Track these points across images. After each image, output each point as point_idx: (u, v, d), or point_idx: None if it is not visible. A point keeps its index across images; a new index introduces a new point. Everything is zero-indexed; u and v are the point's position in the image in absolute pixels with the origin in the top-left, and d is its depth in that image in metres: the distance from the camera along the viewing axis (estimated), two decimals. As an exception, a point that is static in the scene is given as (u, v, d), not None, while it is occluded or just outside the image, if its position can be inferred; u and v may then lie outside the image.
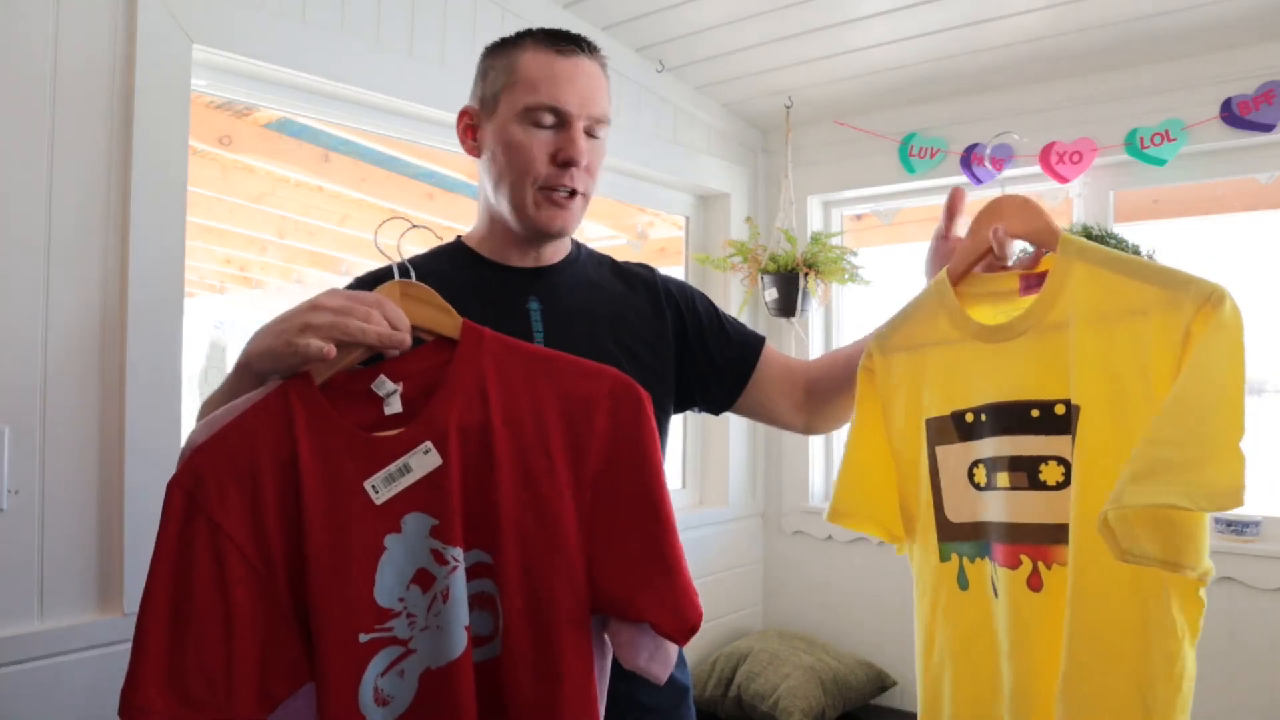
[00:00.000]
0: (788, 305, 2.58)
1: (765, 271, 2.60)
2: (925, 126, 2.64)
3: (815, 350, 2.92)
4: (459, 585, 0.85)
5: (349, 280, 1.17)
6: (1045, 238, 0.96)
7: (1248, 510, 2.20)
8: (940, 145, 2.59)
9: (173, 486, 0.85)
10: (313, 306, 0.87)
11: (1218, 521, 2.21)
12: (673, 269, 3.02)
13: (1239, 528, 2.17)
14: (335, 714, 0.82)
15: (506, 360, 0.90)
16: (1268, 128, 2.11)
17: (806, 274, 2.54)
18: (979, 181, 2.53)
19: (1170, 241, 2.33)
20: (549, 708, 0.84)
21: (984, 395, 0.97)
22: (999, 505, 0.95)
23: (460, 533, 0.85)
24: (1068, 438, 0.90)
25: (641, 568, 0.86)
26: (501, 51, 1.14)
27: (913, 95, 2.61)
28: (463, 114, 1.19)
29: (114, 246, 1.44)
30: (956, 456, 1.00)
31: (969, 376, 0.99)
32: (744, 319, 2.86)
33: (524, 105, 1.09)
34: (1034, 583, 0.90)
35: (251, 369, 0.92)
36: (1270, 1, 1.96)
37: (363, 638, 0.83)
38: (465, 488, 0.86)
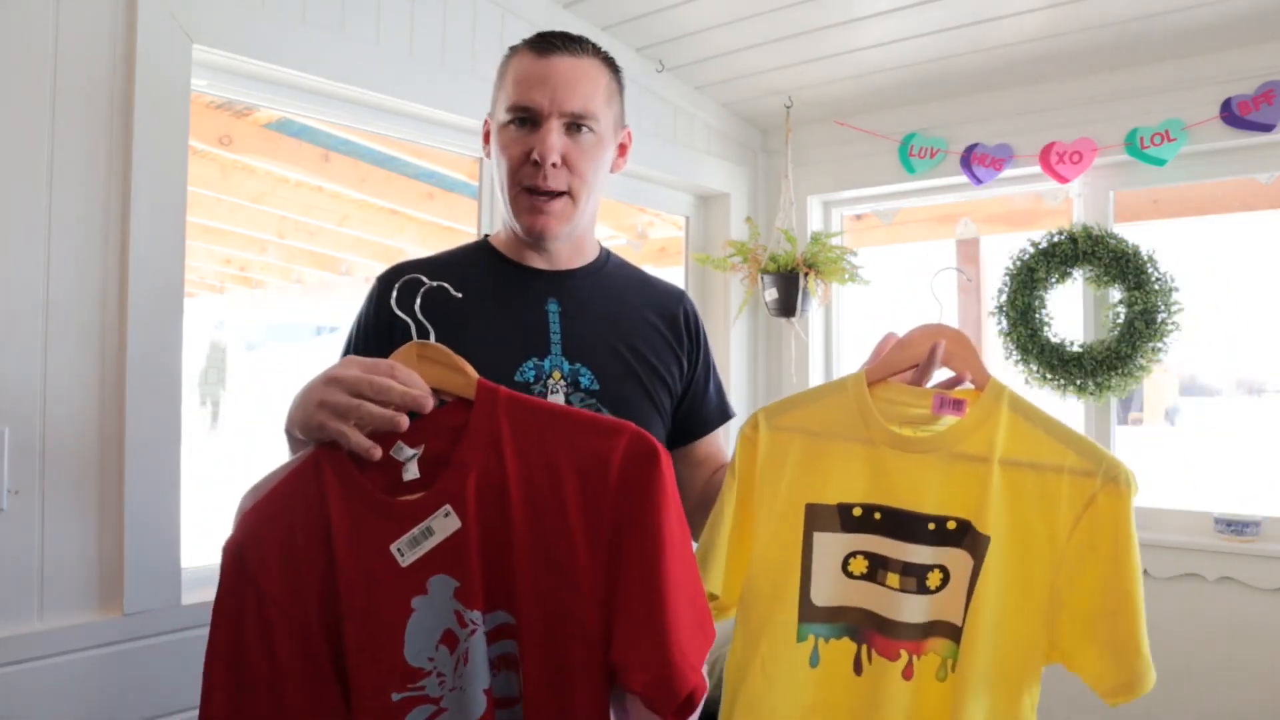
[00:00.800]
0: (788, 305, 2.58)
1: (765, 271, 2.60)
2: (925, 126, 2.64)
3: (815, 351, 2.92)
4: (478, 648, 0.86)
5: (350, 282, 1.18)
6: (977, 375, 1.05)
7: (1248, 510, 2.20)
8: (940, 145, 2.59)
9: (225, 551, 0.89)
10: (328, 380, 0.88)
11: (1218, 522, 2.21)
12: (673, 269, 3.03)
13: (1239, 528, 2.17)
14: None
15: (522, 419, 0.90)
16: (1268, 128, 2.11)
17: (806, 274, 2.54)
18: (979, 181, 2.53)
19: (1170, 241, 2.33)
20: None
21: (879, 496, 1.04)
22: (884, 601, 1.02)
23: (481, 595, 0.87)
24: (953, 550, 1.00)
25: (635, 633, 0.84)
26: (505, 58, 1.17)
27: (913, 95, 2.61)
28: (485, 124, 1.22)
29: (114, 246, 1.44)
30: (834, 545, 1.05)
31: (867, 475, 1.04)
32: (744, 319, 2.87)
33: (504, 108, 1.13)
34: (907, 673, 1.00)
35: (294, 436, 0.95)
36: (1270, 1, 1.96)
37: (395, 697, 0.85)
38: (485, 550, 0.87)
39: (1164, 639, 2.22)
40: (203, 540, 1.74)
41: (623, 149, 1.24)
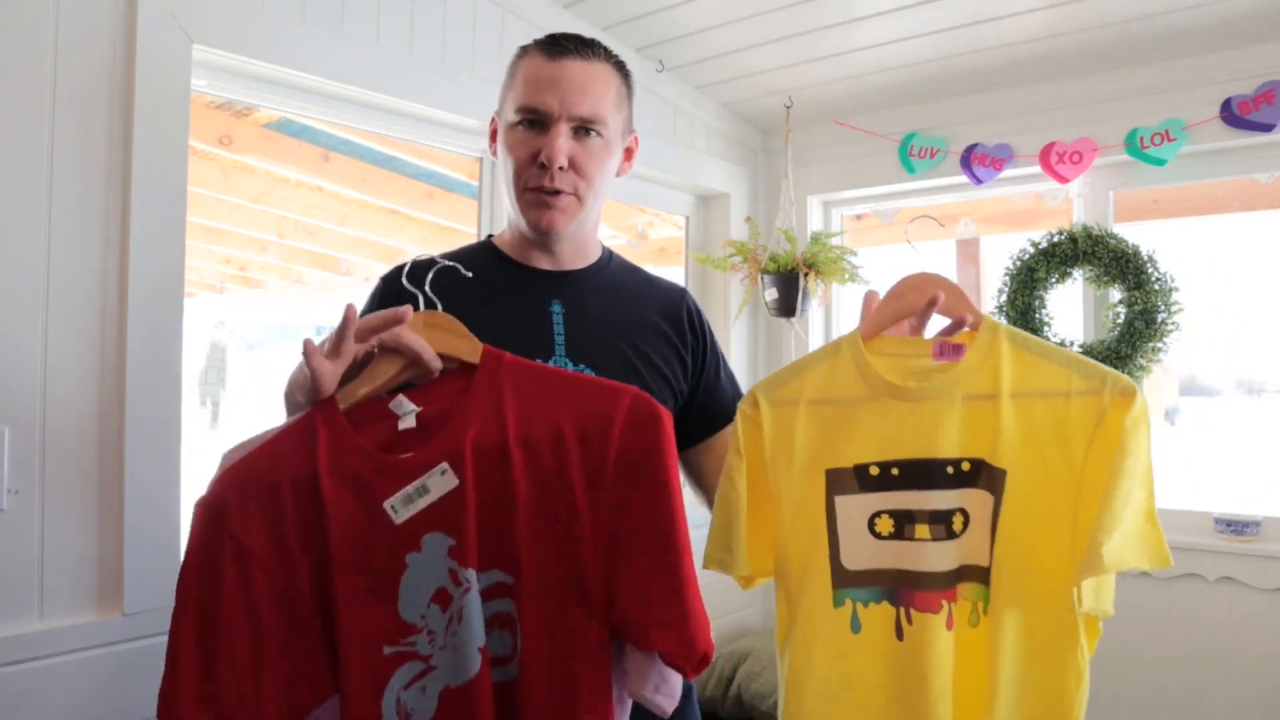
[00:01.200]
0: (788, 305, 2.58)
1: (765, 271, 2.60)
2: (925, 126, 2.64)
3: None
4: (473, 606, 0.85)
5: (348, 282, 1.18)
6: (969, 316, 1.06)
7: (1248, 510, 2.20)
8: (940, 145, 2.59)
9: (198, 506, 0.87)
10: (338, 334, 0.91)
11: (1218, 522, 2.21)
12: (673, 269, 3.03)
13: (1239, 528, 2.17)
14: None
15: (525, 382, 0.91)
16: (1268, 128, 2.11)
17: (806, 274, 2.54)
18: (979, 181, 2.53)
19: (1170, 241, 2.33)
20: None
21: (894, 451, 1.03)
22: (915, 555, 1.02)
23: (475, 554, 0.86)
24: (971, 491, 1.01)
25: (652, 594, 0.85)
26: (515, 57, 1.17)
27: (913, 95, 2.61)
28: (492, 122, 1.23)
29: (114, 246, 1.44)
30: (856, 507, 1.04)
31: (875, 431, 1.04)
32: (744, 319, 2.87)
33: (512, 109, 1.13)
34: (949, 623, 1.01)
35: (293, 400, 0.96)
36: (1270, 1, 1.96)
37: (386, 650, 0.85)
38: (482, 509, 0.87)
39: (1164, 639, 2.23)
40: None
41: (629, 153, 1.24)
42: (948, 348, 1.05)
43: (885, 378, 1.04)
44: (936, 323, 1.10)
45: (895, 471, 1.03)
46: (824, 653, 1.03)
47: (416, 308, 0.94)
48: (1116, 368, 2.27)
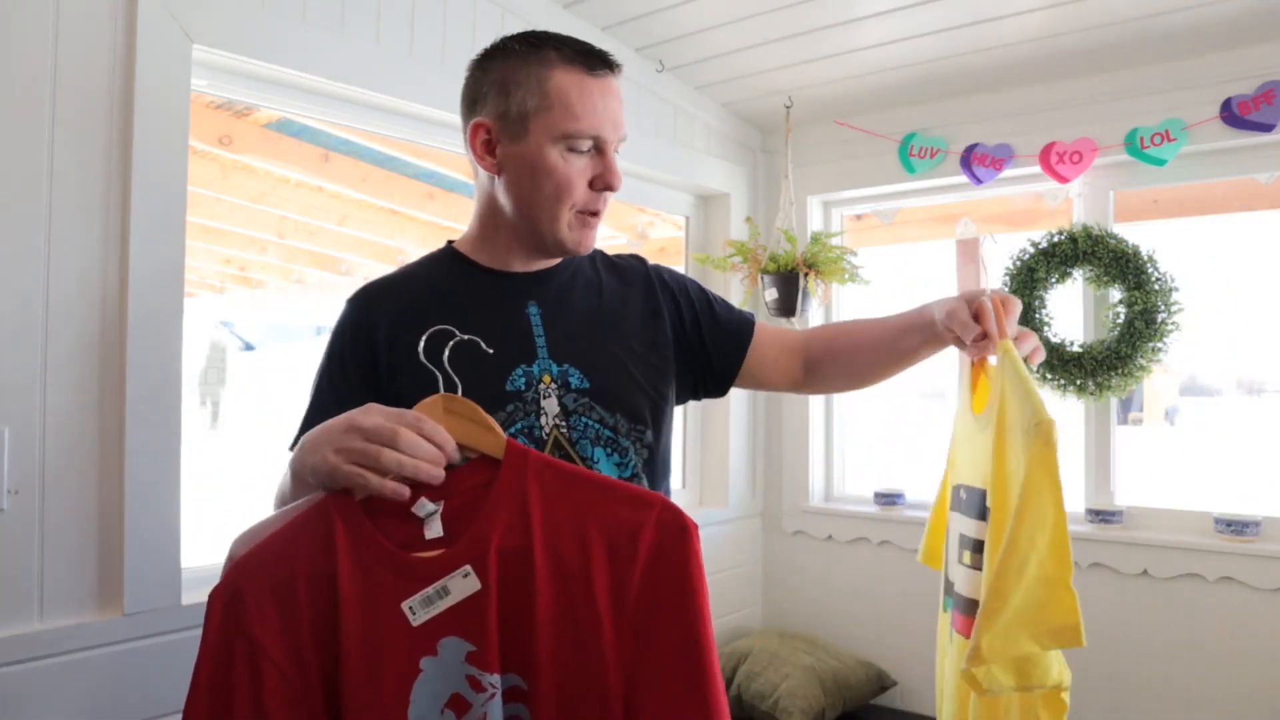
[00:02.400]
0: (788, 305, 2.58)
1: (765, 271, 2.60)
2: (925, 126, 2.64)
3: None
4: (496, 712, 0.84)
5: (355, 284, 1.17)
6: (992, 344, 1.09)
7: (1248, 510, 2.20)
8: (940, 145, 2.59)
9: (213, 599, 0.85)
10: (348, 428, 0.87)
11: (1218, 522, 2.21)
12: (673, 269, 3.02)
13: (1239, 528, 2.17)
14: None
15: (551, 482, 0.89)
16: (1268, 128, 2.11)
17: (806, 274, 2.54)
18: (979, 181, 2.53)
19: (1170, 241, 2.33)
20: None
21: (965, 475, 1.13)
22: (962, 579, 1.09)
23: (497, 658, 0.85)
24: (981, 524, 1.06)
25: (680, 708, 0.84)
26: (523, 66, 1.09)
27: (913, 95, 2.61)
28: (479, 127, 1.13)
29: (114, 246, 1.44)
30: (953, 524, 1.17)
31: (963, 454, 1.16)
32: (744, 319, 2.86)
33: (562, 132, 1.06)
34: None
35: (302, 480, 0.93)
36: (1270, 1, 1.96)
37: None
38: (503, 612, 0.85)
39: (1164, 639, 2.23)
40: (203, 540, 1.74)
41: None
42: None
43: (968, 401, 1.16)
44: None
45: (963, 494, 1.14)
46: (940, 651, 1.18)
47: (422, 391, 0.92)
48: (1117, 368, 2.27)
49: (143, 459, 1.45)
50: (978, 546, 1.04)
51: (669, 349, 1.22)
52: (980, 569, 1.03)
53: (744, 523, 2.93)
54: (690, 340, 1.25)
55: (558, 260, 1.20)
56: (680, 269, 2.95)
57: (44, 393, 1.36)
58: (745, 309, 1.36)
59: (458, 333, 0.96)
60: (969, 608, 1.03)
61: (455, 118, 2.01)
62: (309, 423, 1.09)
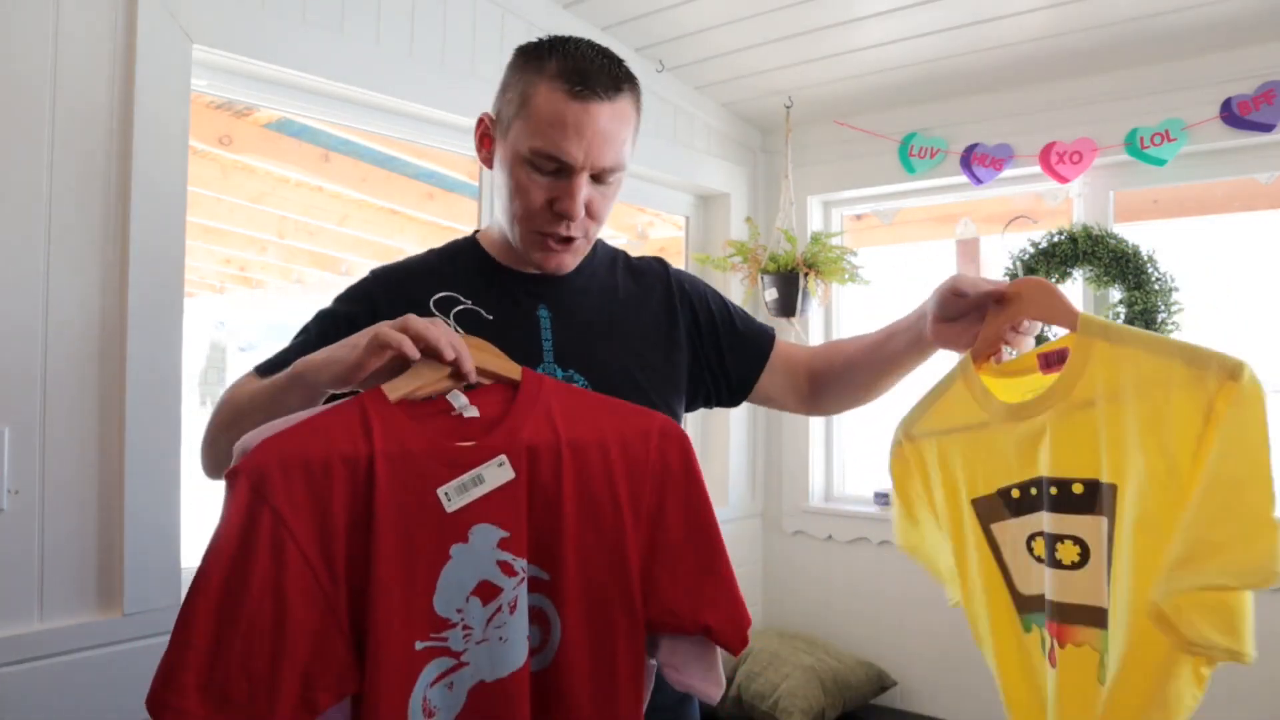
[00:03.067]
0: (788, 305, 2.58)
1: (765, 271, 2.60)
2: (925, 126, 2.64)
3: (815, 350, 2.92)
4: (525, 596, 0.88)
5: (349, 281, 1.17)
6: (1064, 318, 0.97)
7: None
8: (940, 145, 2.59)
9: (237, 476, 0.80)
10: (378, 325, 0.89)
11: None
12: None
13: (1239, 528, 2.16)
14: None
15: (566, 398, 0.96)
16: (1268, 128, 2.11)
17: (806, 274, 2.54)
18: (979, 181, 2.53)
19: (1170, 241, 2.33)
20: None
21: (1027, 471, 0.98)
22: (1057, 583, 0.95)
23: (526, 546, 0.88)
24: (1084, 517, 0.92)
25: (701, 584, 0.92)
26: (525, 70, 1.05)
27: (913, 95, 2.61)
28: (481, 119, 1.13)
29: (114, 246, 1.44)
30: (1013, 531, 1.01)
31: (1005, 455, 1.00)
32: (744, 319, 2.86)
33: (529, 147, 1.03)
34: (1053, 658, 0.95)
35: (305, 379, 0.92)
36: (1270, 1, 1.96)
37: (418, 645, 0.84)
38: (532, 504, 0.89)
39: (1164, 639, 2.23)
40: (203, 540, 1.74)
41: None
42: (1052, 357, 0.98)
43: (1000, 399, 1.01)
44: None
45: (1034, 491, 0.97)
46: (1020, 675, 1.02)
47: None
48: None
49: (143, 459, 1.45)
50: (1077, 541, 0.92)
51: (681, 358, 1.21)
52: (1080, 566, 0.91)
53: (744, 523, 2.93)
54: (706, 350, 1.23)
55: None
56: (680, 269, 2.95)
57: (44, 393, 1.36)
58: (766, 323, 1.34)
59: (463, 300, 1.02)
60: (1068, 614, 0.93)
61: (455, 118, 2.02)
62: (287, 353, 1.07)
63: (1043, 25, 2.15)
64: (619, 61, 1.06)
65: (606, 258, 1.24)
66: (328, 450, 0.83)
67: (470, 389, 0.92)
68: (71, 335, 1.39)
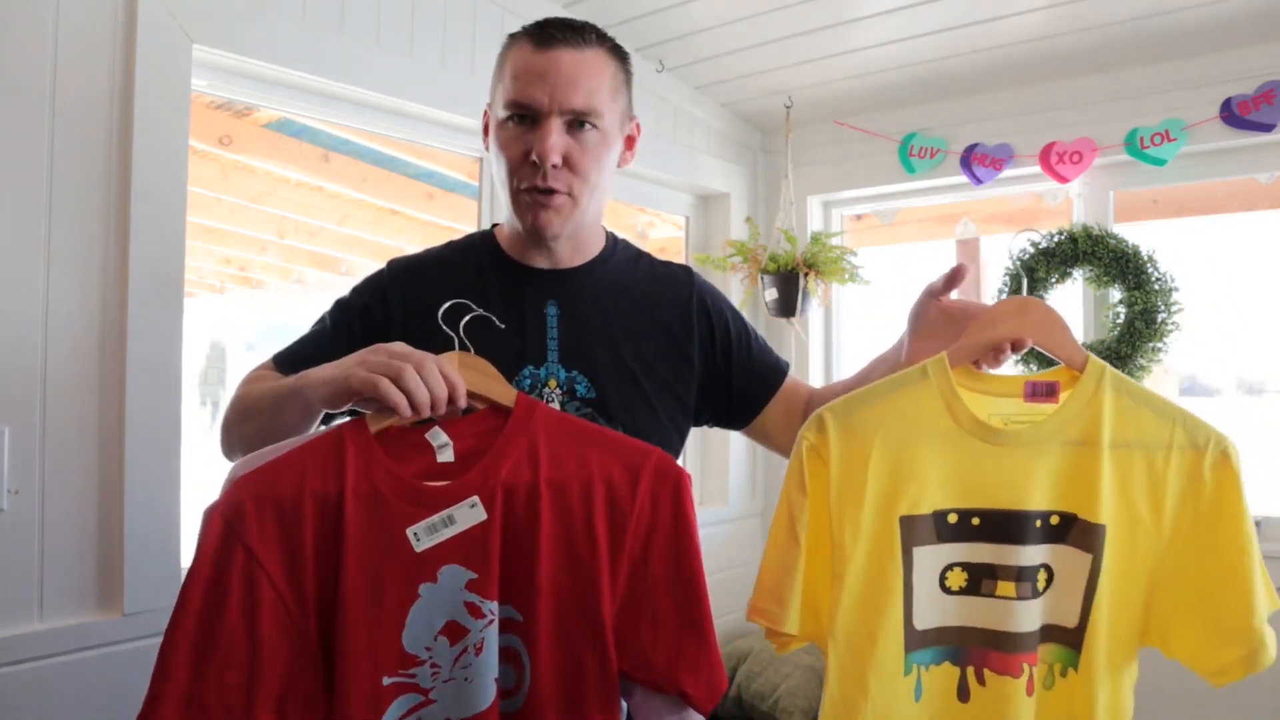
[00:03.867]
0: (787, 305, 2.58)
1: (765, 271, 2.60)
2: (925, 126, 2.64)
3: (815, 351, 2.92)
4: (493, 638, 0.86)
5: (353, 281, 1.18)
6: (1072, 354, 0.95)
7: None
8: (940, 145, 2.59)
9: (213, 514, 0.84)
10: (374, 349, 0.88)
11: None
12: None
13: (1239, 528, 2.16)
14: None
15: (557, 430, 0.93)
16: (1268, 128, 2.11)
17: (806, 274, 2.54)
18: (979, 181, 2.53)
19: (1170, 241, 2.33)
20: None
21: (979, 499, 0.93)
22: (996, 615, 0.93)
23: (497, 588, 0.87)
24: (1059, 547, 0.93)
25: (681, 642, 0.89)
26: (505, 47, 1.11)
27: (913, 95, 2.61)
28: (485, 111, 1.16)
29: (114, 246, 1.44)
30: (931, 559, 0.93)
31: (961, 475, 0.93)
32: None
33: (502, 103, 1.07)
34: (1030, 688, 0.93)
35: (303, 394, 0.93)
36: (1270, 1, 1.96)
37: (386, 680, 0.84)
38: (505, 544, 0.88)
39: (1164, 639, 2.23)
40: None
41: (630, 141, 1.18)
42: (1040, 388, 0.96)
43: (975, 415, 0.94)
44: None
45: (975, 521, 0.93)
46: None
47: (449, 347, 0.94)
48: (1117, 367, 2.26)
49: (143, 459, 1.45)
50: (1025, 574, 0.92)
51: (691, 370, 1.18)
52: (1039, 596, 0.92)
53: (744, 523, 2.93)
54: (718, 369, 1.21)
55: (586, 258, 1.17)
56: (680, 269, 2.95)
57: (44, 393, 1.36)
58: (782, 357, 1.31)
59: (474, 307, 0.98)
60: (1017, 643, 0.92)
61: (455, 118, 2.02)
62: (302, 343, 1.13)
63: (1043, 25, 2.15)
64: (592, 25, 1.10)
65: (628, 257, 1.22)
66: (300, 487, 0.85)
67: (460, 413, 0.91)
68: (71, 335, 1.39)
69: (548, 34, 1.05)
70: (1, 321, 1.32)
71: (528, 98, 1.04)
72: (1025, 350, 0.98)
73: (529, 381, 1.09)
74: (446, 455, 0.90)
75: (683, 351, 1.18)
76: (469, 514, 0.87)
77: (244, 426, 1.03)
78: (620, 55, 1.13)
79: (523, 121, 1.06)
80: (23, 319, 1.34)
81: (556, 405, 1.09)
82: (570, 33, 1.06)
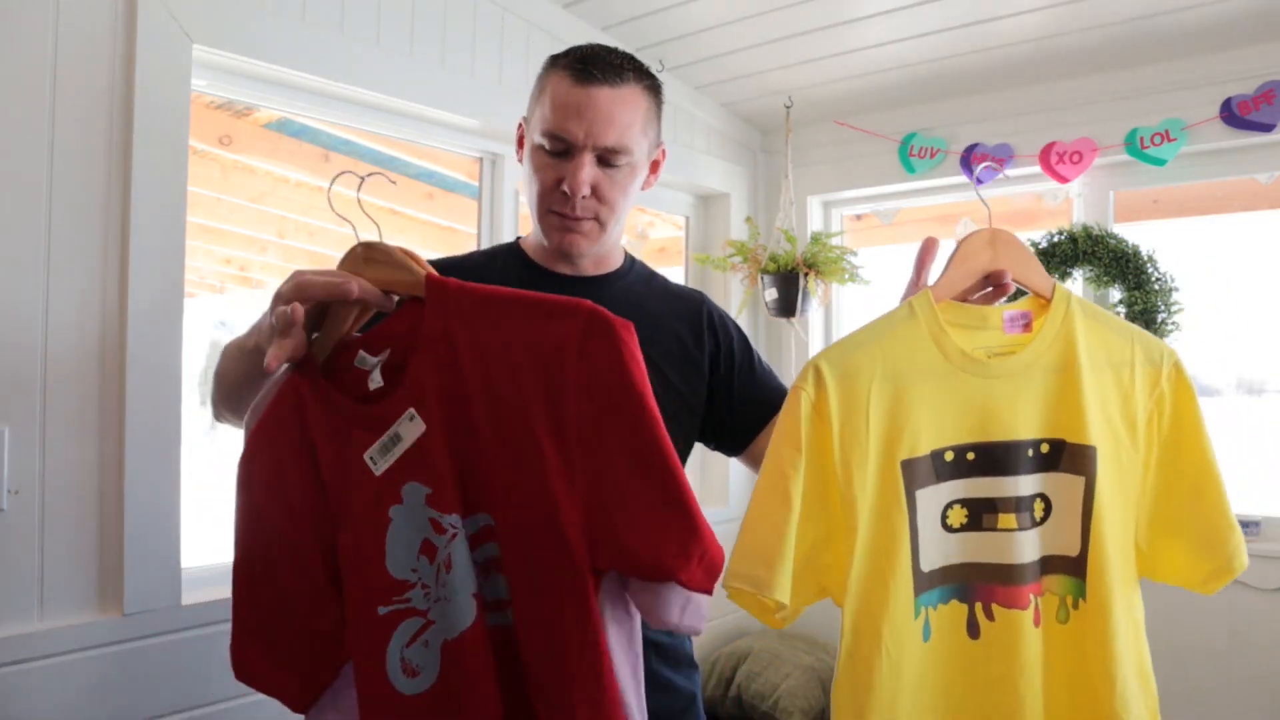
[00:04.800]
0: (788, 305, 2.58)
1: (765, 271, 2.60)
2: (925, 126, 2.64)
3: (815, 350, 2.92)
4: (461, 552, 0.83)
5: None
6: (1040, 283, 0.98)
7: (1248, 510, 2.20)
8: (940, 145, 2.59)
9: (239, 466, 0.92)
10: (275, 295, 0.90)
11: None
12: (673, 269, 3.03)
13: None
14: (367, 686, 0.84)
15: (474, 312, 0.85)
16: (1268, 128, 2.11)
17: (806, 274, 2.54)
18: (979, 181, 2.53)
19: (1170, 241, 2.33)
20: (559, 679, 0.80)
21: (969, 433, 0.92)
22: (997, 547, 0.92)
23: (457, 499, 0.83)
24: (1052, 475, 0.94)
25: (657, 520, 0.78)
26: (545, 70, 1.16)
27: (913, 95, 2.61)
28: (520, 123, 1.22)
29: (114, 246, 1.44)
30: (933, 499, 0.92)
31: (955, 412, 0.92)
32: (744, 319, 2.86)
33: (540, 131, 1.12)
34: (1037, 619, 0.93)
35: (245, 347, 0.98)
36: (1270, 1, 1.96)
37: (381, 610, 0.84)
38: (454, 452, 0.84)
39: (1163, 640, 2.23)
40: (203, 540, 1.74)
41: (655, 166, 1.24)
42: (1016, 318, 0.96)
43: (964, 349, 0.93)
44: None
45: (971, 456, 0.92)
46: (905, 669, 0.89)
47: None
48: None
49: (143, 459, 1.45)
50: (1023, 504, 0.92)
51: (700, 384, 1.23)
52: (1038, 525, 0.92)
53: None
54: (720, 386, 1.25)
55: (608, 270, 1.24)
56: (680, 269, 2.95)
57: (44, 393, 1.36)
58: (783, 384, 1.29)
59: (361, 175, 0.95)
60: (1020, 575, 0.91)
61: (455, 118, 2.02)
62: None
63: (1043, 25, 2.15)
64: (631, 57, 1.14)
65: (642, 277, 1.28)
66: (278, 444, 0.90)
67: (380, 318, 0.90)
68: (71, 335, 1.39)
69: (588, 70, 1.10)
70: (1, 321, 1.32)
71: (564, 131, 1.10)
72: (1006, 282, 0.98)
73: None
74: (376, 380, 0.87)
75: (694, 362, 1.23)
76: (410, 427, 0.84)
77: (223, 371, 1.07)
78: (654, 89, 1.19)
79: (557, 152, 1.11)
80: (23, 319, 1.34)
81: None
82: (609, 70, 1.11)
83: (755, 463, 1.26)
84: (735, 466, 2.87)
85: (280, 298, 0.87)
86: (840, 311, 2.96)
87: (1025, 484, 0.93)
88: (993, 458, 0.93)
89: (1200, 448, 0.94)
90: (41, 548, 1.35)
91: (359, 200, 0.92)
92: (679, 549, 0.77)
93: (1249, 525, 2.16)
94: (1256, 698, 2.12)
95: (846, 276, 2.57)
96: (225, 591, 1.58)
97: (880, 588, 0.90)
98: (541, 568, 0.81)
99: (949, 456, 0.92)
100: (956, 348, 0.93)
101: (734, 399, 1.25)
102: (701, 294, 1.32)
